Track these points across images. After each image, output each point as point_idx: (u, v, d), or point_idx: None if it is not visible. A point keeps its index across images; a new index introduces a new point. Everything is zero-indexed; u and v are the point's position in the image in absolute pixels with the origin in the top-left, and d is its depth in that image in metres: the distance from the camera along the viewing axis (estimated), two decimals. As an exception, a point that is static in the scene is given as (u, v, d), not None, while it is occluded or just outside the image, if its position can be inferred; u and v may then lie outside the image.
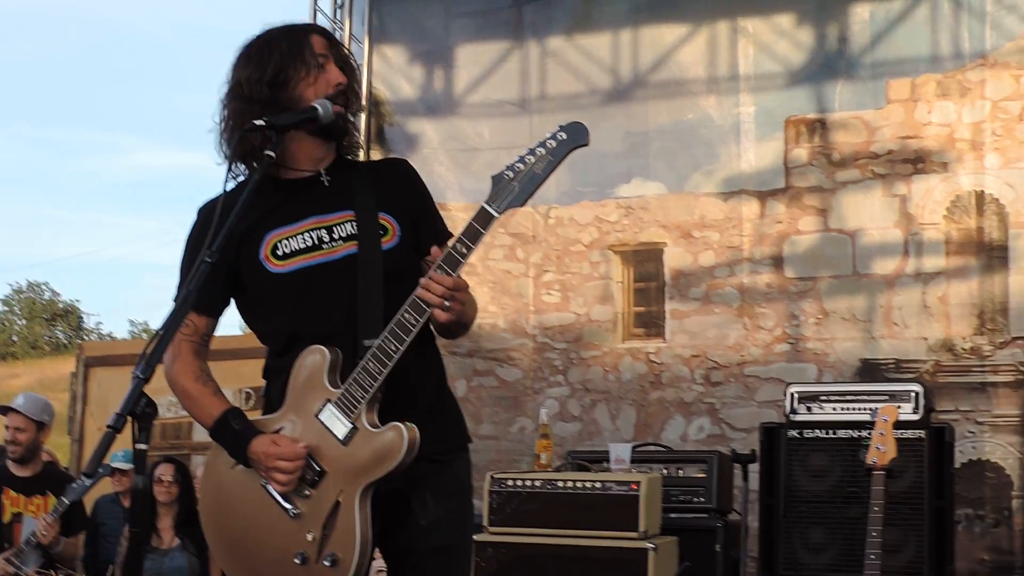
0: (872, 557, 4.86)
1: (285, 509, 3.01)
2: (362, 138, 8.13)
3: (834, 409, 5.83)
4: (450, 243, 2.98)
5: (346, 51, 3.28)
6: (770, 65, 7.53)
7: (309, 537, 2.98)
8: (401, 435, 2.97)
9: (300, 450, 2.99)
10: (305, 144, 3.16)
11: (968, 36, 7.11)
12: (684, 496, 5.94)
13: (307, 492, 3.00)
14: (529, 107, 7.97)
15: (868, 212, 7.19)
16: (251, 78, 3.11)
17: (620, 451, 5.85)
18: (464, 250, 2.94)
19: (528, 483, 5.57)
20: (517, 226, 7.86)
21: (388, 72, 8.28)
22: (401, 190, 3.25)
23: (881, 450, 5.03)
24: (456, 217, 7.97)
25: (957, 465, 6.05)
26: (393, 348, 2.93)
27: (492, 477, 5.66)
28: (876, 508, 4.93)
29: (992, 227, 6.93)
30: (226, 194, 2.99)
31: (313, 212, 3.13)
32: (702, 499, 5.94)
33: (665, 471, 5.96)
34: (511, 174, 3.00)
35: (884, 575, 4.88)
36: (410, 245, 3.18)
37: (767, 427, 5.96)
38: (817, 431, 5.78)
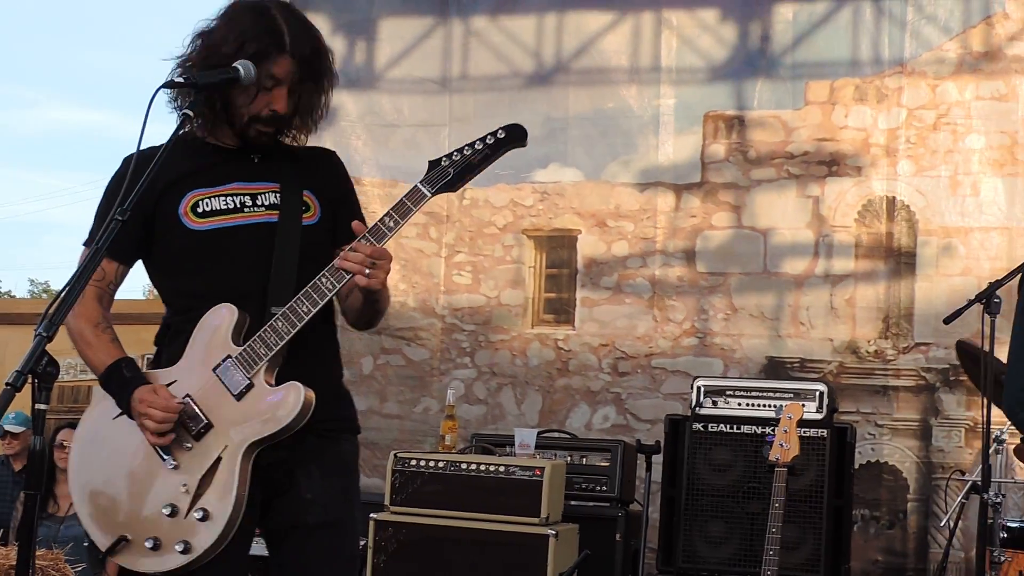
0: (770, 553, 4.90)
1: (164, 460, 2.99)
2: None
3: (739, 404, 5.88)
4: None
5: (322, 78, 3.18)
6: (692, 59, 7.54)
7: (183, 489, 2.97)
8: (298, 396, 2.99)
9: (174, 405, 2.98)
10: (231, 132, 3.18)
11: (888, 43, 7.18)
12: (587, 484, 5.95)
13: (189, 444, 3.00)
14: (450, 86, 7.91)
15: (781, 211, 7.24)
16: (211, 48, 3.08)
17: (525, 436, 5.85)
18: (391, 224, 3.00)
19: (432, 464, 5.55)
20: (431, 205, 7.69)
21: (309, 42, 8.14)
22: (328, 176, 3.32)
23: (784, 447, 5.07)
24: (370, 192, 7.92)
25: (856, 466, 6.13)
26: (305, 310, 2.98)
27: (395, 456, 5.62)
28: (776, 504, 4.97)
29: (902, 233, 7.02)
30: (143, 150, 2.93)
31: (239, 179, 3.17)
32: (605, 488, 5.95)
33: (569, 458, 5.97)
34: (447, 161, 3.07)
35: (781, 571, 4.92)
36: (328, 228, 3.22)
37: (672, 419, 5.99)
38: (722, 425, 5.82)
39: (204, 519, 2.94)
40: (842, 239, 7.11)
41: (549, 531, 5.34)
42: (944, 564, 6.14)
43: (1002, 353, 4.67)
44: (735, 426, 5.80)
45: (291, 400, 2.98)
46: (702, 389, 5.95)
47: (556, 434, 6.49)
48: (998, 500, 5.29)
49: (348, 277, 2.97)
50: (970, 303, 5.12)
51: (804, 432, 5.38)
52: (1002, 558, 5.31)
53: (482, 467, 5.50)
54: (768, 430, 5.38)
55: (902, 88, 7.12)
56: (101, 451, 3.09)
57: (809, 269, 7.14)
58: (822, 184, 7.19)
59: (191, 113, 2.97)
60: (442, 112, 7.87)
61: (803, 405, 5.36)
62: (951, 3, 7.05)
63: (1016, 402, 3.58)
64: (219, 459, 2.97)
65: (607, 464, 5.99)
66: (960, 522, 6.06)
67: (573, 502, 5.79)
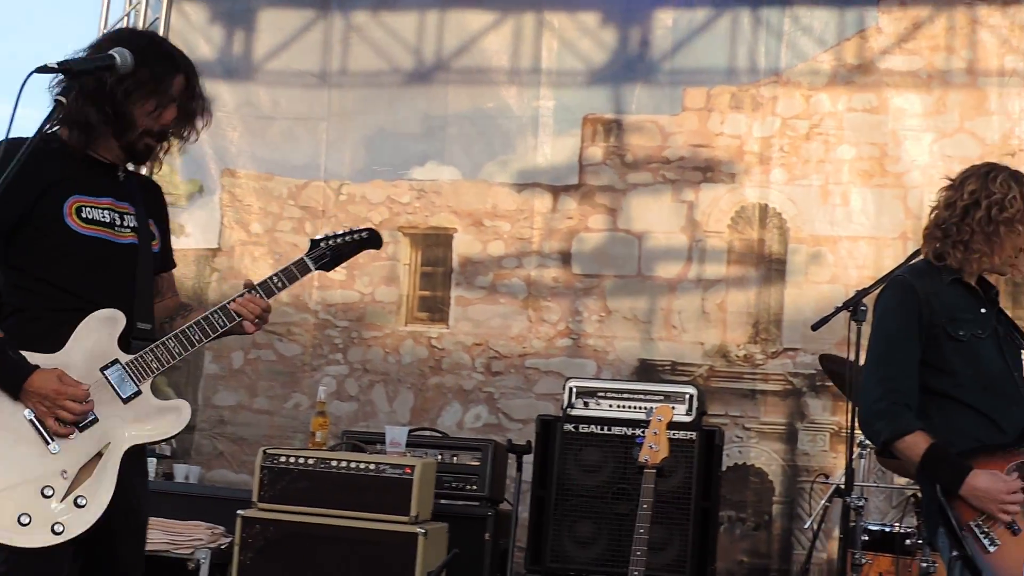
0: (638, 554, 4.92)
1: (47, 443, 3.13)
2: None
3: (610, 406, 5.92)
4: (269, 275, 3.49)
5: (202, 96, 3.48)
6: (572, 62, 7.58)
7: (62, 475, 3.12)
8: (186, 412, 3.35)
9: (87, 392, 3.17)
10: (114, 145, 3.37)
11: (764, 53, 7.30)
12: (457, 483, 5.93)
13: (73, 435, 3.17)
14: (329, 80, 7.84)
15: (656, 215, 7.31)
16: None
17: (396, 434, 5.81)
18: (280, 284, 3.45)
19: (301, 460, 5.49)
20: (308, 200, 7.73)
21: (187, 30, 8.02)
22: (160, 208, 3.61)
23: (653, 449, 5.09)
24: (245, 185, 7.81)
25: (724, 468, 6.21)
26: (197, 338, 3.33)
27: (264, 452, 5.55)
28: (645, 506, 4.99)
29: (773, 240, 7.13)
30: (15, 139, 3.02)
31: (111, 194, 3.38)
32: (475, 487, 5.94)
33: (440, 457, 5.95)
34: (325, 245, 3.56)
35: (648, 572, 4.95)
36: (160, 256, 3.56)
37: (544, 419, 6.00)
38: (592, 426, 5.85)
39: (81, 507, 3.11)
40: (715, 244, 7.20)
41: (418, 530, 5.31)
42: (807, 566, 6.24)
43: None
44: (605, 427, 5.83)
45: (181, 414, 3.32)
46: (574, 390, 5.98)
47: (427, 432, 6.46)
48: (860, 503, 5.40)
49: (238, 320, 3.36)
50: (837, 310, 5.21)
51: (673, 434, 5.43)
52: (863, 560, 5.42)
53: (352, 465, 5.45)
54: (638, 432, 5.41)
55: (777, 97, 7.24)
56: None
57: (682, 273, 7.22)
58: (697, 190, 7.28)
59: (63, 100, 3.02)
60: (321, 106, 7.80)
61: (673, 408, 5.38)
62: (826, 15, 7.19)
63: (871, 413, 3.66)
64: (100, 454, 3.18)
65: (478, 463, 5.98)
66: (823, 524, 6.18)
67: (443, 501, 5.77)
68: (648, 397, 5.89)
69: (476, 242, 7.53)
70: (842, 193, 7.06)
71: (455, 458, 6.02)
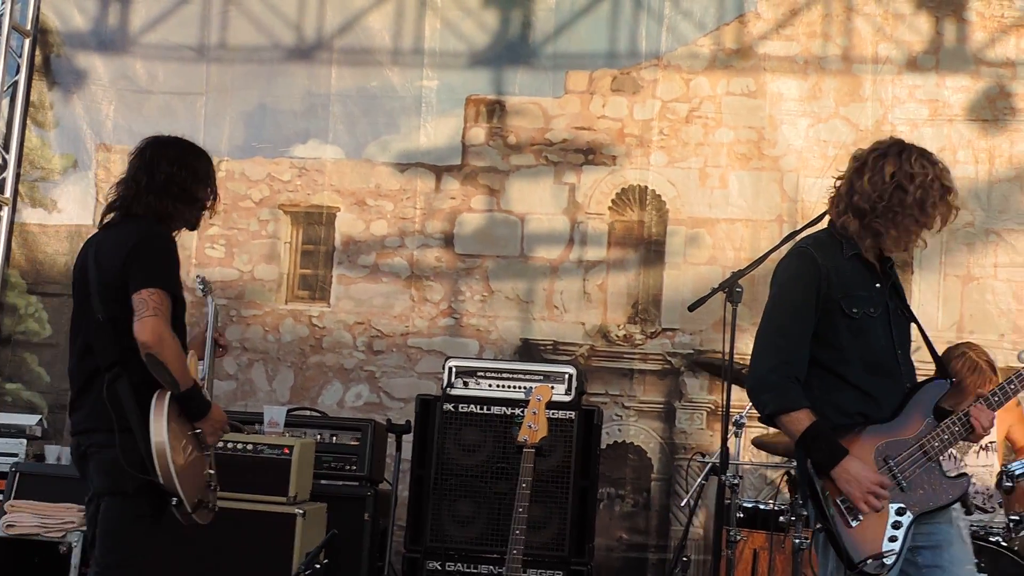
0: (517, 532, 4.96)
1: (206, 450, 4.20)
2: (24, 66, 7.66)
3: (490, 386, 5.93)
4: None
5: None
6: (455, 43, 7.57)
7: (212, 471, 4.21)
8: None
9: None
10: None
11: (645, 36, 7.36)
12: (336, 463, 5.92)
13: None
14: (207, 55, 7.72)
15: (538, 197, 7.35)
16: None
17: (275, 414, 5.78)
18: None
19: (177, 440, 5.41)
20: (186, 176, 7.59)
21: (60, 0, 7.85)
22: None
23: (533, 428, 5.14)
24: (121, 160, 7.59)
25: (603, 446, 6.27)
26: None
27: (140, 432, 5.46)
28: (524, 485, 5.04)
29: (653, 222, 7.21)
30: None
31: None
32: (354, 467, 5.93)
33: (319, 437, 5.93)
34: None
35: (527, 550, 5.00)
36: None
37: (423, 399, 6.00)
38: (472, 406, 5.87)
39: (215, 489, 4.22)
40: (596, 226, 7.26)
41: (296, 510, 5.29)
42: (684, 542, 6.34)
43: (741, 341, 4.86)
44: (485, 407, 5.85)
45: None
46: (454, 370, 5.98)
47: (307, 412, 6.43)
48: (735, 481, 5.49)
49: None
50: (713, 291, 5.26)
51: (552, 414, 5.47)
52: (738, 537, 5.52)
53: (230, 445, 5.41)
54: (517, 411, 5.45)
55: (657, 80, 7.31)
56: (177, 444, 4.02)
57: (564, 255, 7.27)
58: (578, 172, 7.33)
59: None
60: (199, 81, 7.68)
61: (552, 387, 5.45)
62: (706, 0, 7.27)
63: (761, 384, 3.70)
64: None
65: (357, 443, 5.97)
66: (700, 502, 6.27)
67: (322, 481, 5.75)
68: (528, 377, 5.91)
69: (359, 221, 7.49)
70: (720, 176, 7.17)
71: (334, 438, 6.01)
